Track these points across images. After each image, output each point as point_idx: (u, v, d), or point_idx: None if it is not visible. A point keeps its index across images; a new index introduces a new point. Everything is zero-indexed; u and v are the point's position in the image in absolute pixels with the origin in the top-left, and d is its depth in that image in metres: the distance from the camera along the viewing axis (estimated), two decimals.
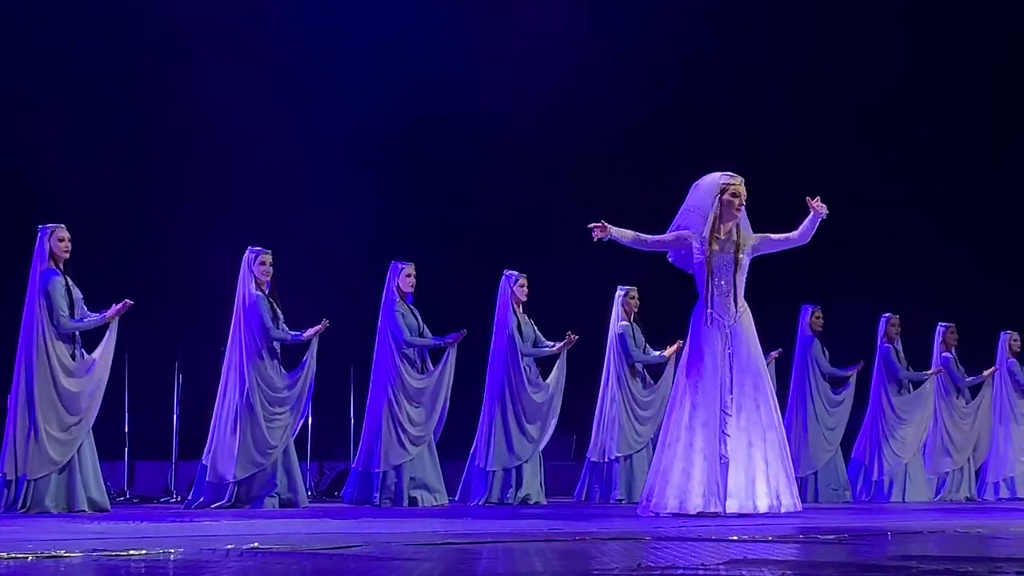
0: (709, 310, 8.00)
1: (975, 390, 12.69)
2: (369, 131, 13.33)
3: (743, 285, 8.10)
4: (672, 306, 12.64)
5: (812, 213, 8.08)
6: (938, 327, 12.56)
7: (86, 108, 12.45)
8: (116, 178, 12.49)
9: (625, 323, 11.01)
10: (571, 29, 13.89)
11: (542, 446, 10.42)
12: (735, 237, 8.08)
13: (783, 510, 7.82)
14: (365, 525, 6.91)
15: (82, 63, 12.50)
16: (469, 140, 14.06)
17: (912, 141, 14.52)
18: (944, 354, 12.46)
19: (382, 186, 13.42)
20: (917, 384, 12.28)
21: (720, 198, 8.04)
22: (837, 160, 14.03)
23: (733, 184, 8.08)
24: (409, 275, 9.88)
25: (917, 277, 13.82)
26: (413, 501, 9.68)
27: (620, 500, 10.73)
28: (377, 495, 9.66)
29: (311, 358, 9.33)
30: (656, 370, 11.19)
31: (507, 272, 10.41)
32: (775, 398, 8.22)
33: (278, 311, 9.29)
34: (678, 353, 11.14)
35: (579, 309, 11.76)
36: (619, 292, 11.12)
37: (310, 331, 9.33)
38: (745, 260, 8.10)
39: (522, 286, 10.34)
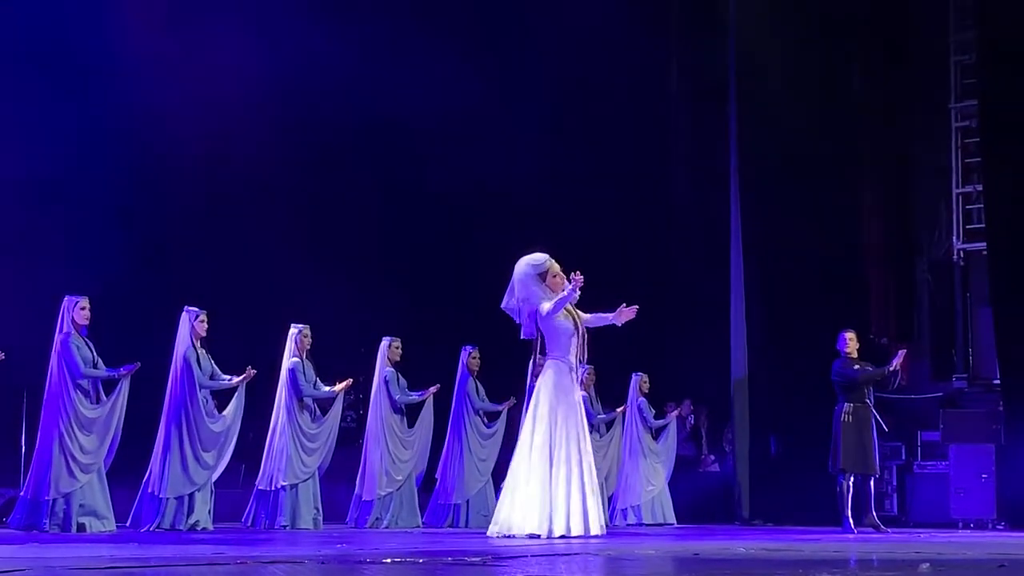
0: (572, 365, 8.97)
1: (609, 425, 13.43)
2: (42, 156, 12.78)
3: None
4: (340, 346, 12.81)
5: (613, 316, 8.98)
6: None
7: None
8: None
9: (296, 359, 11.05)
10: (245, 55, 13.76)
11: (217, 474, 10.32)
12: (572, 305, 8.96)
13: (604, 532, 8.87)
14: (31, 550, 6.71)
15: None
16: (151, 171, 13.77)
17: (530, 180, 15.06)
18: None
19: (57, 217, 12.92)
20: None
21: (548, 279, 8.88)
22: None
23: (552, 265, 8.91)
24: (83, 308, 9.66)
25: None
26: (81, 527, 9.42)
27: (285, 526, 10.76)
28: (46, 522, 9.36)
29: None
30: (325, 404, 11.24)
31: (188, 308, 10.28)
32: None
33: None
34: (347, 389, 11.33)
35: (255, 345, 11.67)
36: (293, 329, 11.15)
37: None
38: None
39: (202, 321, 10.24)
